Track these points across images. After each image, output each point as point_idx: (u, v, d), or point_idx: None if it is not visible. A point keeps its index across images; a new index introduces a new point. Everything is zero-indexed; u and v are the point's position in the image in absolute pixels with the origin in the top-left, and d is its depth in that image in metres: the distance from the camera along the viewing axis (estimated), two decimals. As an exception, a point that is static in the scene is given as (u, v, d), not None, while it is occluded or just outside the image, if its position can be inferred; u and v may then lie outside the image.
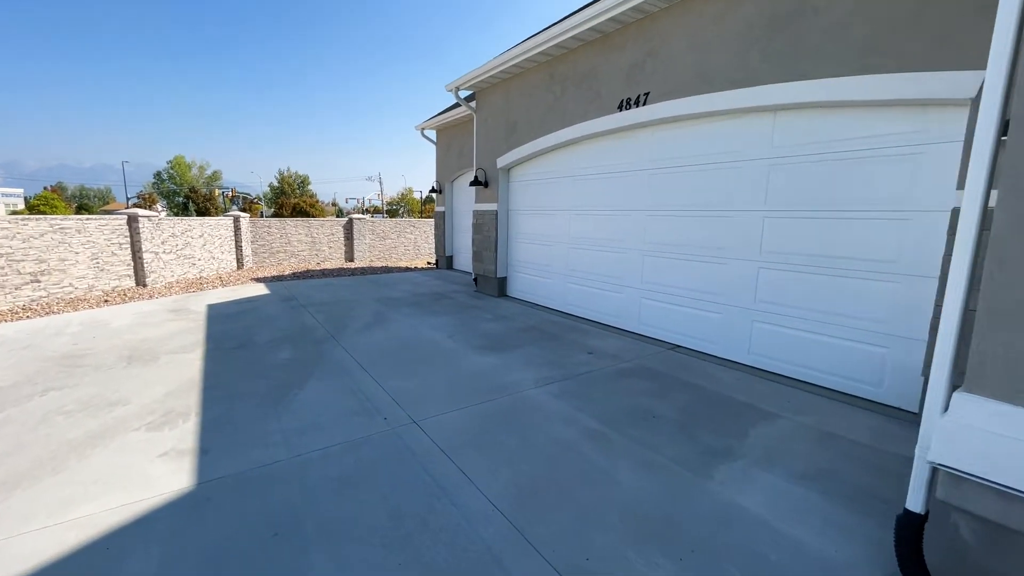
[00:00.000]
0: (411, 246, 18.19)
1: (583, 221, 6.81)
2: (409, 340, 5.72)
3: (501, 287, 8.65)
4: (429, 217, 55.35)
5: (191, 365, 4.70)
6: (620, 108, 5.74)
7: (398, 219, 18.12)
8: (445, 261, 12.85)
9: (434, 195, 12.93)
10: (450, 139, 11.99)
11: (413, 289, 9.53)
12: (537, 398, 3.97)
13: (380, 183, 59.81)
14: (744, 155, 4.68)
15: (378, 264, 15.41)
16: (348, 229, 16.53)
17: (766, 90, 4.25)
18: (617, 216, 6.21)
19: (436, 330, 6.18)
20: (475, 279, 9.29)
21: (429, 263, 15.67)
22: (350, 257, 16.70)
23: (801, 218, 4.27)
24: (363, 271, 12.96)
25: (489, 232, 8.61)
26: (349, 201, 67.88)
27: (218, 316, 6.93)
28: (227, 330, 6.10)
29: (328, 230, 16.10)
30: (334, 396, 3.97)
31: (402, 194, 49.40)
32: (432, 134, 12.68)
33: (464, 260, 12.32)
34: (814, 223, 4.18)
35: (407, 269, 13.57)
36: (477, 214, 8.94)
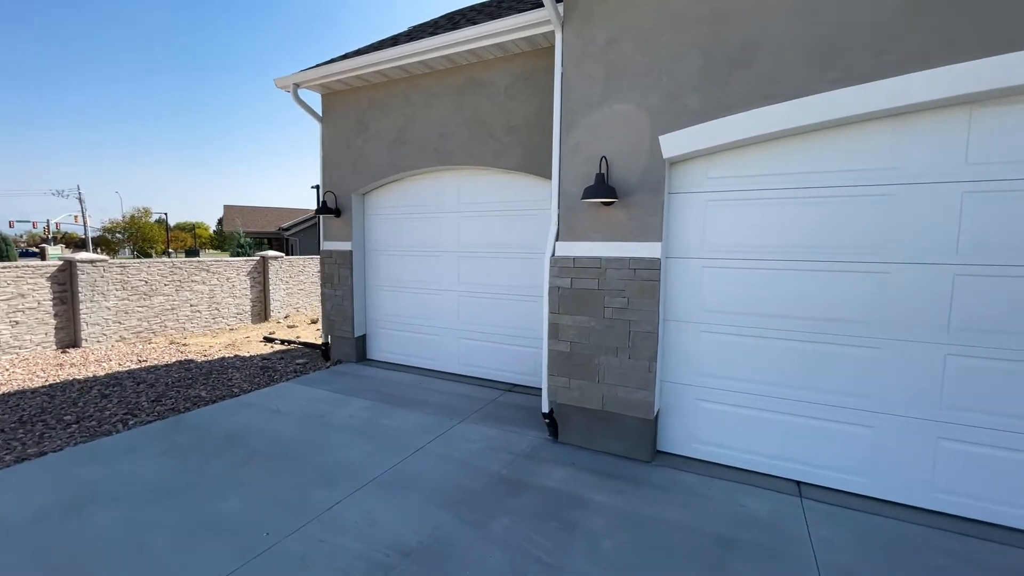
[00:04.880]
0: (203, 305, 10.33)
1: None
2: None
3: (649, 436, 3.68)
4: (182, 248, 39.54)
5: None
6: None
7: (176, 260, 10.18)
8: (353, 345, 6.56)
9: (321, 218, 6.57)
10: (365, 111, 6.08)
11: (406, 477, 3.54)
12: None
13: (81, 201, 40.94)
14: None
15: (156, 356, 7.50)
16: (65, 283, 8.05)
17: None
18: None
19: None
20: (549, 416, 3.99)
21: (272, 340, 8.56)
22: (71, 339, 8.20)
23: None
24: (151, 393, 5.49)
25: (632, 308, 3.58)
26: (17, 225, 44.60)
27: None
28: None
29: (11, 286, 7.36)
30: None
31: (131, 217, 33.57)
32: (314, 100, 6.40)
33: (399, 346, 6.39)
34: None
35: (253, 370, 6.58)
36: (581, 264, 3.76)
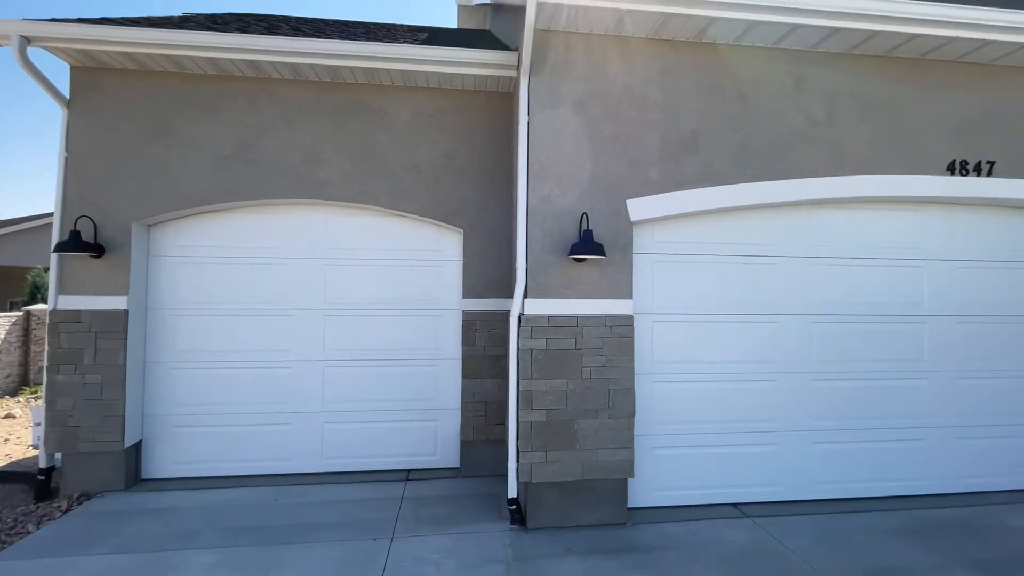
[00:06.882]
0: None
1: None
2: None
3: (623, 497, 3.64)
4: None
5: None
6: (952, 171, 3.95)
7: None
8: (119, 463, 4.03)
9: (58, 258, 3.95)
10: (171, 106, 4.14)
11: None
12: None
13: None
14: None
15: None
16: None
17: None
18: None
19: None
20: (515, 501, 3.45)
21: None
22: None
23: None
24: None
25: (611, 366, 3.52)
26: None
27: None
28: None
29: None
30: None
31: None
32: (59, 75, 3.84)
33: (215, 451, 4.32)
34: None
35: None
36: (557, 323, 3.45)
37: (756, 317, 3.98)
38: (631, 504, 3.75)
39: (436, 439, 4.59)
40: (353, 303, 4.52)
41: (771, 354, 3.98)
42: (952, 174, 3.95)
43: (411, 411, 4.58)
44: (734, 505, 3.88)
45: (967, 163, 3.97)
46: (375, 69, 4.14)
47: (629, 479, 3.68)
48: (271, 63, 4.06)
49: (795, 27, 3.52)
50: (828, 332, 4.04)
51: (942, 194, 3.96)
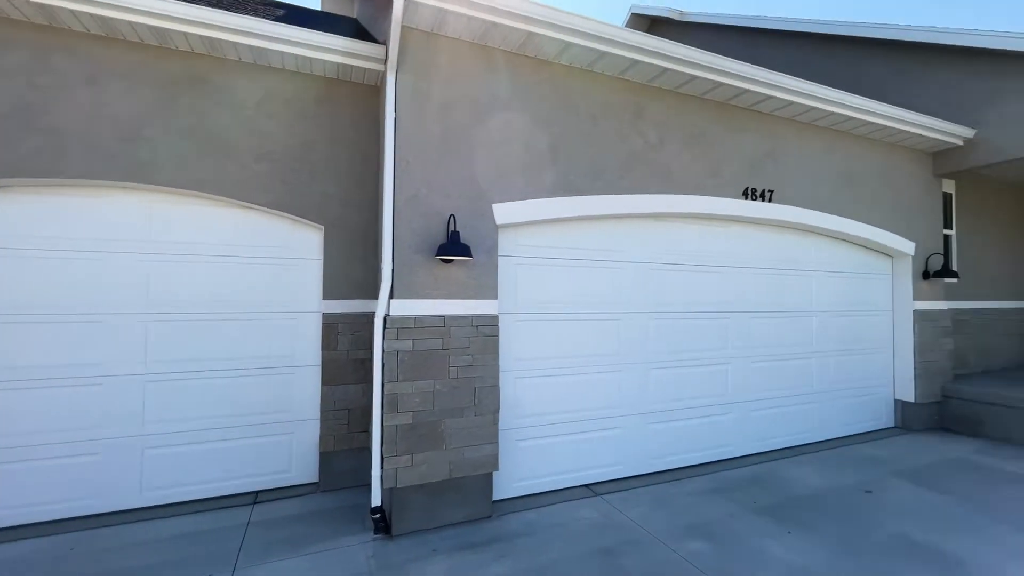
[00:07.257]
0: None
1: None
2: None
3: (488, 491, 3.76)
4: None
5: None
6: (746, 196, 4.90)
7: None
8: None
9: None
10: None
11: None
12: None
13: None
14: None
15: None
16: None
17: (845, 222, 5.62)
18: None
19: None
20: (379, 509, 3.35)
21: None
22: None
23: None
24: None
25: (477, 364, 3.61)
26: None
27: None
28: None
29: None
30: None
31: None
32: None
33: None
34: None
35: None
36: (424, 324, 3.40)
37: (606, 315, 4.45)
38: (496, 497, 3.90)
39: (291, 454, 4.20)
40: (187, 306, 3.91)
41: (617, 348, 4.49)
42: (746, 199, 4.92)
43: (261, 425, 4.11)
44: (587, 486, 4.28)
45: (755, 190, 4.98)
46: (217, 40, 3.66)
47: (494, 473, 3.83)
48: (70, 11, 3.31)
49: (635, 62, 4.05)
50: (662, 327, 4.70)
51: (741, 214, 4.90)
